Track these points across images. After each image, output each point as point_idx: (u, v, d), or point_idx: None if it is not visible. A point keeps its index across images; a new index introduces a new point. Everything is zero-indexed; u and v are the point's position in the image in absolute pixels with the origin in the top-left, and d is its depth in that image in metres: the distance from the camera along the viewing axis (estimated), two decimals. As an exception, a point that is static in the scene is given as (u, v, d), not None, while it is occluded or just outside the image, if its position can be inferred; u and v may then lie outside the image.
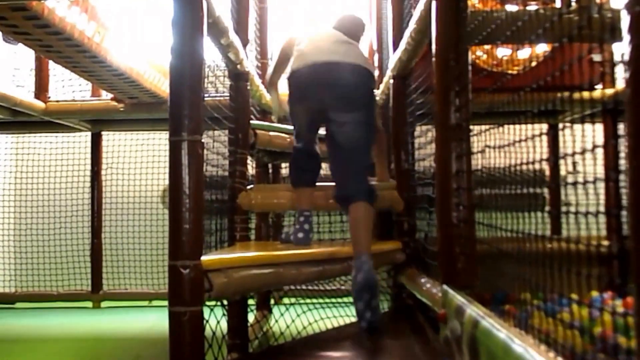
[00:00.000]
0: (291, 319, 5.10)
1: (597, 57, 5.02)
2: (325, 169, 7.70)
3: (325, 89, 4.55)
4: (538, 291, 2.21)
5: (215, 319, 3.60)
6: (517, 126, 2.40)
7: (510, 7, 3.85)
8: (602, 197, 1.85)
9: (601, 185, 1.80)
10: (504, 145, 2.41)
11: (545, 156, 2.16)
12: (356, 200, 4.45)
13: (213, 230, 4.37)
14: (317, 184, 4.96)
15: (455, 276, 2.91)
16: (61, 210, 9.62)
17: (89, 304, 8.77)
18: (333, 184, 4.71)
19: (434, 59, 3.17)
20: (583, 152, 1.83)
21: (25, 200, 9.73)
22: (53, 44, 5.01)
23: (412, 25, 3.96)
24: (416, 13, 3.76)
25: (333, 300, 6.20)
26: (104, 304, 8.80)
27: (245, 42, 4.94)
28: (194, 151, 2.92)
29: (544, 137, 2.20)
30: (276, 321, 5.15)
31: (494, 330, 1.97)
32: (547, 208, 6.71)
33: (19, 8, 4.17)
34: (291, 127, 5.13)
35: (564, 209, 6.37)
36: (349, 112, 4.54)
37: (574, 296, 1.93)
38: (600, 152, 1.78)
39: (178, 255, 2.86)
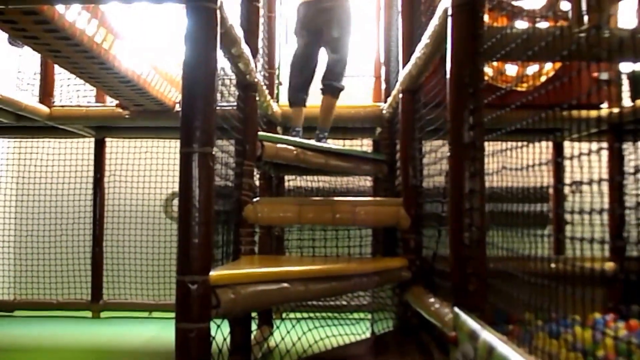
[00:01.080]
0: (297, 335, 5.06)
1: (604, 76, 5.01)
2: (328, 181, 7.71)
3: (315, 21, 6.43)
4: (541, 312, 2.18)
5: (222, 336, 3.55)
6: (522, 143, 2.39)
7: (520, 23, 3.83)
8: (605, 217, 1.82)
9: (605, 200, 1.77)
10: (506, 165, 2.39)
11: (548, 173, 2.14)
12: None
13: (219, 243, 4.32)
14: (322, 198, 5.46)
15: (466, 298, 2.86)
16: (62, 217, 9.57)
17: (89, 313, 8.69)
18: (340, 198, 5.02)
19: (448, 76, 3.12)
20: (590, 182, 1.78)
21: (27, 206, 9.68)
22: (62, 49, 4.97)
23: (424, 39, 3.91)
24: (430, 27, 3.72)
25: (339, 315, 6.17)
26: (103, 314, 8.72)
27: (254, 52, 4.90)
28: (205, 163, 2.88)
29: (548, 154, 2.19)
30: (282, 338, 5.09)
31: (511, 358, 1.93)
32: (549, 226, 6.69)
33: (30, 12, 4.13)
34: (297, 140, 5.55)
35: (566, 226, 6.37)
36: (332, 31, 6.38)
37: (577, 317, 1.90)
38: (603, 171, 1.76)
39: (187, 270, 2.81)
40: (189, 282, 2.80)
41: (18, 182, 9.77)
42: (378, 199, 6.23)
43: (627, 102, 6.38)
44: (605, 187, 1.79)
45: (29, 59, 8.21)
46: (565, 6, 4.48)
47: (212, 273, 2.92)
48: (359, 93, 8.31)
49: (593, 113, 6.13)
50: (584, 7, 3.38)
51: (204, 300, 2.84)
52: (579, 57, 2.00)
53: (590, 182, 1.80)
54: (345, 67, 6.54)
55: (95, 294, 8.77)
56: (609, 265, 4.33)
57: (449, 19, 3.15)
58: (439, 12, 3.43)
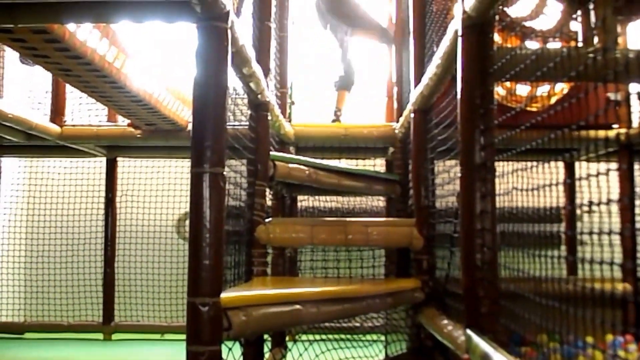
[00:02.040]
0: (310, 358, 5.04)
1: (614, 96, 5.00)
2: (341, 202, 7.72)
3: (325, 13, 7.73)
4: (554, 333, 2.17)
5: (234, 358, 3.53)
6: (533, 163, 2.39)
7: (531, 44, 3.82)
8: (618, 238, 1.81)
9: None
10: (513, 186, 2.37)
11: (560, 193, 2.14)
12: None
13: (231, 264, 4.29)
14: (334, 219, 5.67)
15: (478, 320, 2.85)
16: (74, 237, 9.56)
17: (100, 335, 8.65)
18: (352, 219, 5.12)
19: (459, 97, 3.12)
20: (599, 203, 1.77)
21: (37, 227, 9.67)
22: (72, 68, 4.97)
23: (435, 60, 3.90)
24: (441, 48, 3.71)
25: (353, 337, 6.14)
26: (115, 336, 8.68)
27: (266, 72, 4.90)
28: (215, 184, 2.86)
29: (560, 175, 2.18)
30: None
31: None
32: (562, 247, 6.67)
33: (40, 31, 4.13)
34: (309, 159, 5.44)
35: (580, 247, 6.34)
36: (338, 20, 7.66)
37: (590, 339, 1.89)
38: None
39: (197, 291, 2.79)
40: (200, 304, 2.78)
41: (29, 202, 9.77)
42: (390, 219, 6.20)
43: (637, 122, 6.38)
44: (618, 207, 1.78)
45: (40, 77, 8.22)
46: (576, 27, 4.48)
47: (224, 295, 2.90)
48: (371, 113, 8.32)
49: (606, 133, 6.13)
50: (593, 28, 3.37)
51: (215, 322, 2.81)
52: (587, 78, 1.99)
53: (598, 204, 1.79)
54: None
55: (106, 315, 8.73)
56: (623, 287, 4.31)
57: (459, 40, 3.14)
58: (449, 32, 3.42)
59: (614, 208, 1.76)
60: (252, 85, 4.37)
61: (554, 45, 4.26)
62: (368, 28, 7.90)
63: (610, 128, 6.31)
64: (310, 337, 5.78)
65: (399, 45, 7.11)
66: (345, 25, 7.80)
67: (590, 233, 1.79)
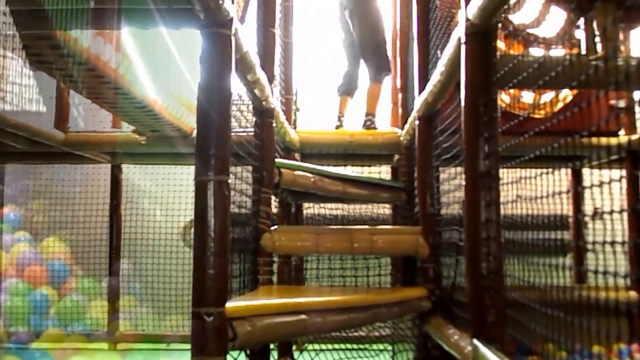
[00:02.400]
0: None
1: (620, 103, 4.97)
2: (346, 209, 7.69)
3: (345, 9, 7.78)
4: (561, 343, 2.15)
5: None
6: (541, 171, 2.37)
7: (535, 50, 3.80)
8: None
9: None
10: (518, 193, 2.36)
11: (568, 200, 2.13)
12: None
13: (236, 273, 4.26)
14: (340, 227, 5.62)
15: (485, 330, 2.83)
16: (78, 245, 9.53)
17: (105, 345, 8.60)
18: (359, 227, 5.16)
19: (462, 104, 3.10)
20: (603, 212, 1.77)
21: (41, 234, 9.64)
22: (76, 74, 4.96)
23: (439, 67, 3.89)
24: (444, 55, 3.70)
25: (361, 346, 6.13)
26: (120, 345, 8.63)
27: (271, 78, 4.88)
28: (220, 192, 2.85)
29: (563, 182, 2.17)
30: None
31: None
32: (569, 255, 6.65)
33: (44, 37, 4.12)
34: (314, 167, 5.43)
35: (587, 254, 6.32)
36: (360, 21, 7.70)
37: (596, 348, 1.87)
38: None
39: (202, 301, 2.77)
40: (205, 314, 2.76)
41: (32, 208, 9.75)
42: (396, 227, 6.19)
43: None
44: (625, 214, 1.77)
45: (44, 82, 8.20)
46: (579, 34, 4.47)
47: (229, 304, 2.88)
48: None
49: (612, 140, 6.11)
50: (595, 35, 3.37)
51: (220, 332, 2.79)
52: (590, 86, 1.99)
53: (603, 213, 1.78)
54: None
55: (111, 324, 8.69)
56: (631, 295, 4.29)
57: (463, 47, 3.13)
58: (453, 39, 3.41)
59: (622, 215, 1.75)
60: (256, 91, 4.36)
61: (558, 52, 4.25)
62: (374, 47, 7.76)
63: (616, 135, 6.29)
64: (317, 346, 5.75)
65: (404, 51, 7.09)
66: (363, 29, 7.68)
67: (594, 242, 1.78)
